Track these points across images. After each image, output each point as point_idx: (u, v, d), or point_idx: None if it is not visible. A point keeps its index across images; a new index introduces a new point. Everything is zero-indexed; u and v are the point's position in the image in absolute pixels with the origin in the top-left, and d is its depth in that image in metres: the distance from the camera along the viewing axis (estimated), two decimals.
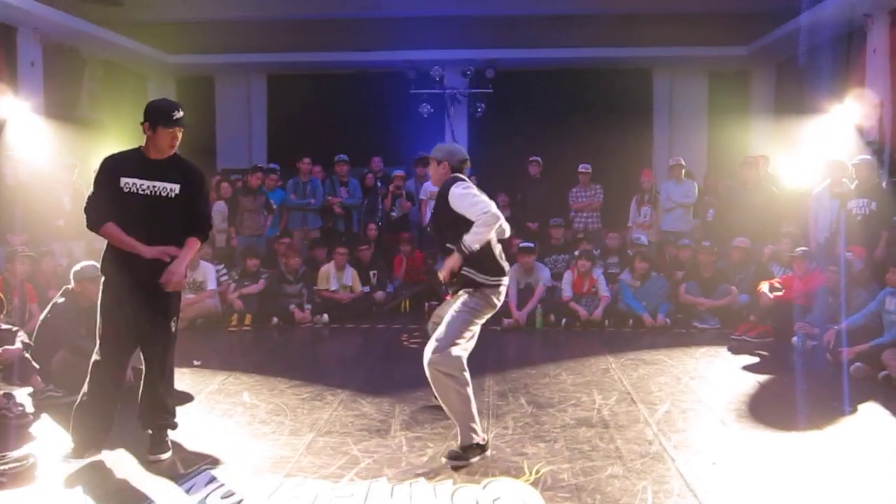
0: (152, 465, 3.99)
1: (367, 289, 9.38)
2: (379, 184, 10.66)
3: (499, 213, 4.05)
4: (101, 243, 4.28)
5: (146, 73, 12.98)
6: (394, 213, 10.43)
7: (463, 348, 4.05)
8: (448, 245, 4.10)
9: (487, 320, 4.18)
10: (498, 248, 4.22)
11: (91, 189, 4.17)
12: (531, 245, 8.76)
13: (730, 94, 12.95)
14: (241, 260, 9.32)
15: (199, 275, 8.54)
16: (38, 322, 5.73)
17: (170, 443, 4.24)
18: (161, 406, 4.27)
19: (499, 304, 4.18)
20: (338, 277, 9.21)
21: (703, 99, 13.30)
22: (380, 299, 9.42)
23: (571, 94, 12.89)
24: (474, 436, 4.01)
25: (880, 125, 9.11)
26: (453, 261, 4.05)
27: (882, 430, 4.70)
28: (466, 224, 3.99)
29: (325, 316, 8.76)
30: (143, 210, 4.06)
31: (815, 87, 10.05)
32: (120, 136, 11.39)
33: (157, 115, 4.05)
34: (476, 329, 4.15)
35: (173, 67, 13.03)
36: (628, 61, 12.88)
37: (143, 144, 4.12)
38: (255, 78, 13.68)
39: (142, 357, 4.26)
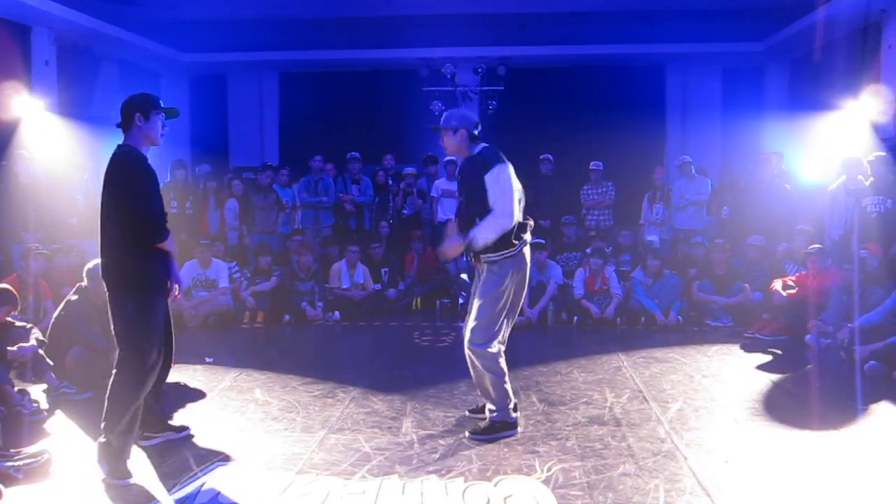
0: (165, 462, 4.00)
1: (378, 286, 9.39)
2: (391, 181, 10.66)
3: (514, 218, 4.16)
4: None
5: (160, 71, 13.03)
6: (406, 211, 10.43)
7: (500, 339, 4.32)
8: (477, 218, 4.20)
9: None
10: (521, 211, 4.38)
11: (140, 191, 3.79)
12: (543, 242, 8.74)
13: (744, 90, 12.86)
14: (253, 257, 9.36)
15: (212, 272, 8.59)
16: (52, 319, 5.78)
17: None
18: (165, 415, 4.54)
19: (527, 264, 4.37)
20: (350, 275, 9.22)
21: (717, 95, 13.22)
22: (391, 297, 9.43)
23: (583, 90, 12.84)
24: (507, 415, 4.34)
25: None
26: (454, 247, 4.22)
27: None
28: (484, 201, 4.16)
29: (337, 313, 8.77)
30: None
31: (830, 83, 9.97)
32: None
33: (148, 103, 3.92)
34: (508, 297, 4.33)
35: (186, 66, 13.08)
36: (641, 58, 12.81)
37: (128, 141, 3.92)
38: (267, 76, 13.72)
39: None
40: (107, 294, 3.90)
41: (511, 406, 4.40)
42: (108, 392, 3.85)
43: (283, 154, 13.39)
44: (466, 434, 4.35)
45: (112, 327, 3.91)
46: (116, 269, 3.86)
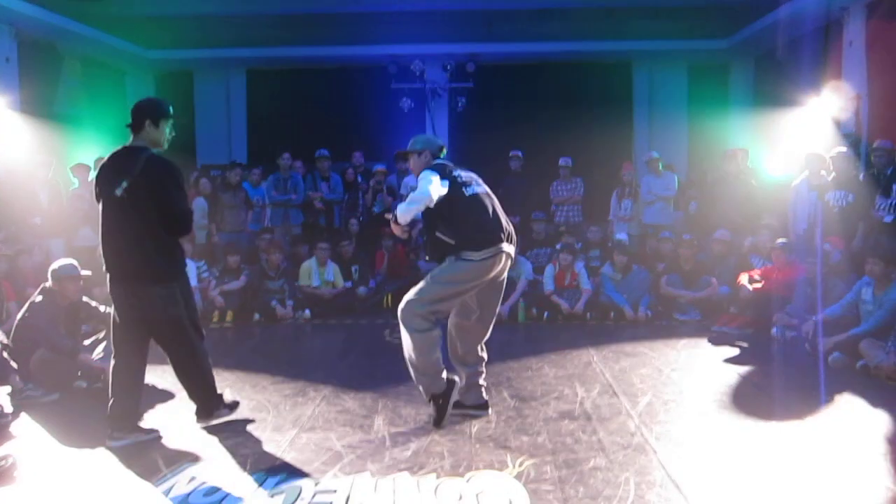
0: (134, 464, 3.96)
1: (349, 284, 9.36)
2: (360, 179, 10.63)
3: (425, 199, 4.27)
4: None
5: (124, 68, 12.84)
6: (375, 209, 10.40)
7: (431, 312, 4.43)
8: (437, 234, 4.42)
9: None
10: (487, 216, 4.44)
11: (178, 193, 4.23)
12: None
13: (709, 87, 13.02)
14: (221, 256, 9.27)
15: None
16: (16, 321, 5.67)
17: None
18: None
19: (490, 270, 4.39)
20: (320, 273, 9.18)
21: (683, 92, 13.37)
22: (362, 295, 9.41)
23: (552, 87, 12.90)
24: (437, 386, 4.45)
25: (857, 118, 9.20)
26: (394, 227, 4.44)
27: (860, 418, 4.75)
28: (435, 211, 4.34)
29: (308, 312, 8.73)
30: None
31: (794, 79, 10.13)
32: (98, 133, 11.35)
33: (159, 111, 4.30)
34: (454, 299, 4.47)
35: (152, 63, 12.91)
36: (608, 55, 12.91)
37: (136, 143, 4.27)
38: (234, 73, 13.59)
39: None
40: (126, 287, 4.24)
41: (441, 377, 4.47)
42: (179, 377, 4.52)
43: (252, 152, 13.27)
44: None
45: (129, 316, 4.25)
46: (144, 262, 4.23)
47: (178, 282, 4.37)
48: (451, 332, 4.71)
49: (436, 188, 4.30)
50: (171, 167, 4.22)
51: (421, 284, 4.50)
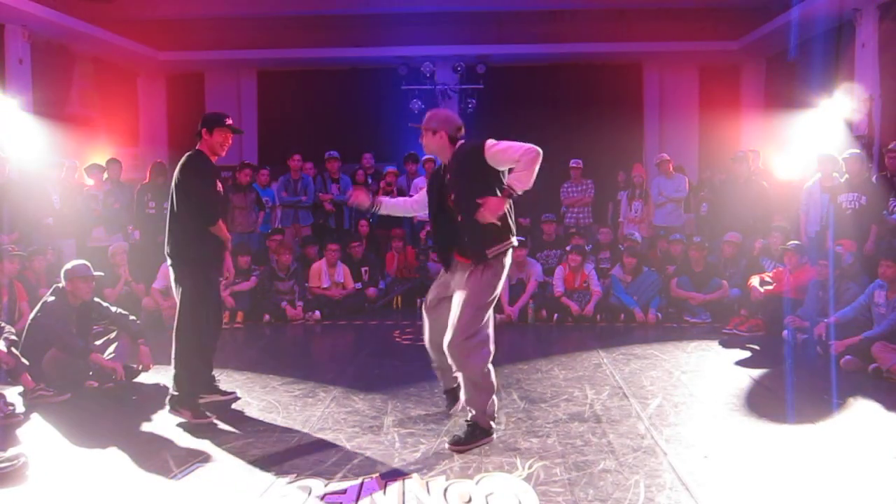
0: (144, 464, 3.97)
1: (358, 285, 9.37)
2: (370, 180, 10.64)
3: (539, 149, 3.99)
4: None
5: (136, 70, 12.92)
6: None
7: (489, 340, 4.19)
8: (477, 218, 3.97)
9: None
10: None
11: (196, 185, 4.71)
12: (523, 240, 8.76)
13: (720, 88, 12.98)
14: (232, 257, 9.27)
15: None
16: (28, 321, 5.70)
17: None
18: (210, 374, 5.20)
19: (507, 265, 4.23)
20: (329, 274, 9.20)
21: (694, 94, 13.32)
22: (372, 296, 9.42)
23: (562, 89, 12.89)
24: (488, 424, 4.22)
25: (870, 119, 9.15)
26: (496, 204, 3.93)
27: (872, 422, 4.72)
28: (487, 185, 4.02)
29: (317, 313, 8.75)
30: (224, 208, 5.08)
31: (806, 81, 10.09)
32: (110, 134, 11.43)
33: (212, 121, 4.77)
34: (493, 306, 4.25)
35: (163, 64, 12.96)
36: (619, 56, 12.88)
37: (201, 149, 4.80)
38: (245, 74, 13.63)
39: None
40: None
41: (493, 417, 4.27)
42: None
43: (262, 153, 13.31)
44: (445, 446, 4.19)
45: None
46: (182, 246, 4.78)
47: (205, 267, 4.86)
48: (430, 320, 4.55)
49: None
50: (199, 166, 4.79)
51: (461, 313, 4.08)
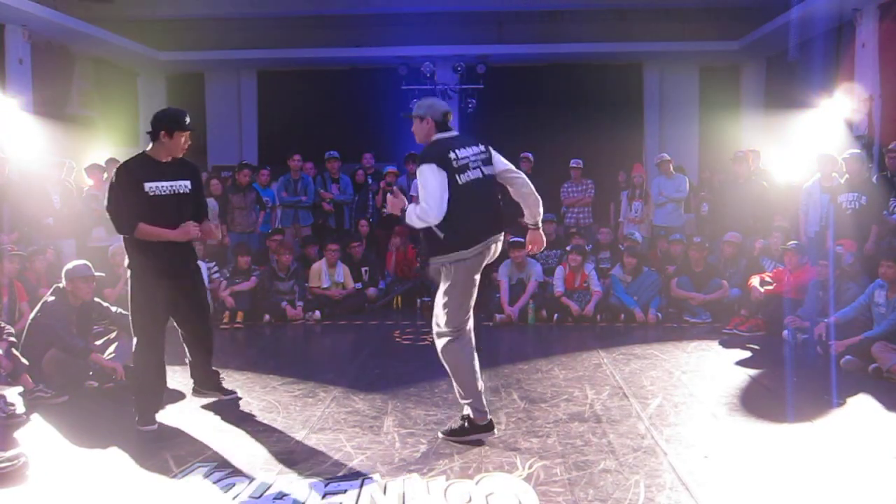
0: (145, 463, 3.97)
1: (359, 285, 9.37)
2: (370, 180, 10.64)
3: (435, 216, 4.09)
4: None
5: (136, 70, 12.93)
6: (385, 210, 10.41)
7: (462, 341, 4.22)
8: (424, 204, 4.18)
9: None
10: (475, 216, 4.22)
11: (111, 197, 4.54)
12: (523, 240, 8.75)
13: (720, 88, 12.99)
14: (232, 257, 9.30)
15: None
16: (29, 321, 5.70)
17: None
18: (209, 371, 5.17)
19: (483, 260, 4.26)
20: (330, 274, 9.20)
21: (694, 94, 13.33)
22: (372, 296, 9.42)
23: (562, 89, 12.89)
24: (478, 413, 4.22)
25: (870, 119, 9.16)
26: (395, 203, 4.43)
27: (872, 422, 4.72)
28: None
29: (317, 313, 8.74)
30: (168, 208, 4.58)
31: (806, 81, 10.10)
32: (110, 134, 11.43)
33: (173, 122, 4.56)
34: (472, 291, 4.27)
35: (163, 64, 12.97)
36: (619, 56, 12.89)
37: (151, 149, 4.61)
38: (245, 74, 13.64)
39: (181, 334, 4.98)
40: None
41: (482, 406, 4.27)
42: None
43: (262, 153, 13.32)
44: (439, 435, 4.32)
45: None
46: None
47: (140, 272, 4.62)
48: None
49: (439, 186, 4.09)
50: (120, 173, 4.55)
51: (437, 307, 4.31)
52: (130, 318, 4.65)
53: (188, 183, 4.71)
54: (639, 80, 13.34)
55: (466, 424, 4.25)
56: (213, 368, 5.21)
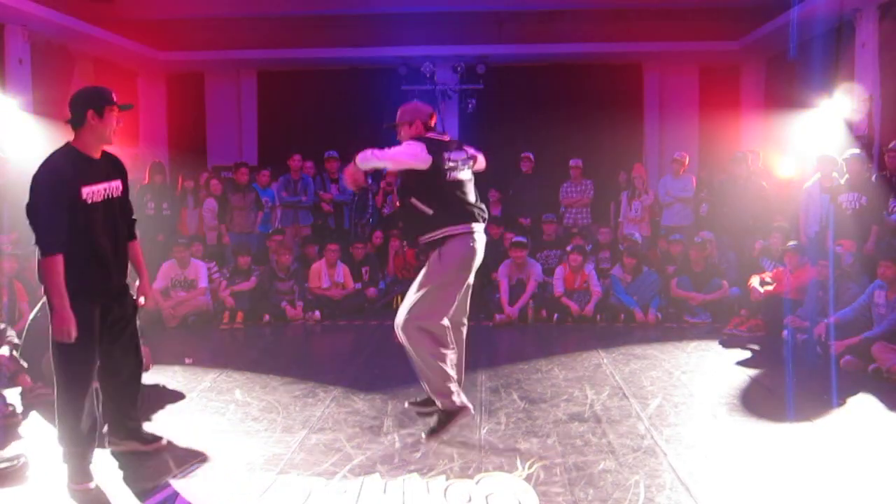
0: (144, 464, 3.97)
1: (359, 285, 9.37)
2: (370, 180, 10.63)
3: (397, 161, 4.30)
4: None
5: (136, 70, 12.91)
6: (385, 210, 10.42)
7: (438, 335, 4.16)
8: (412, 200, 4.25)
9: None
10: (466, 195, 4.29)
11: (38, 204, 3.66)
12: (523, 240, 8.77)
13: (720, 88, 12.96)
14: (232, 257, 9.30)
15: (191, 272, 8.53)
16: (28, 321, 5.70)
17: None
18: (135, 425, 4.16)
19: (475, 255, 4.22)
20: (329, 274, 9.20)
21: (694, 94, 13.31)
22: (372, 296, 9.42)
23: (562, 89, 12.87)
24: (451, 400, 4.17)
25: (870, 120, 9.14)
26: (349, 172, 4.46)
27: (872, 422, 4.73)
28: (414, 179, 4.23)
29: (317, 313, 8.74)
30: (103, 218, 3.71)
31: (806, 81, 10.08)
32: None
33: (100, 98, 3.71)
34: (457, 288, 4.23)
35: (163, 64, 12.95)
36: (619, 56, 12.87)
37: (77, 140, 3.73)
38: (245, 74, 13.62)
39: (99, 389, 3.87)
40: None
41: (453, 392, 4.19)
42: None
43: (262, 153, 13.29)
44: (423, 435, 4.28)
45: None
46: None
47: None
48: None
49: (412, 159, 4.15)
50: (49, 173, 3.68)
51: (413, 297, 4.21)
52: (57, 354, 3.63)
53: (119, 184, 3.83)
54: (638, 80, 13.31)
55: (442, 416, 4.23)
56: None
